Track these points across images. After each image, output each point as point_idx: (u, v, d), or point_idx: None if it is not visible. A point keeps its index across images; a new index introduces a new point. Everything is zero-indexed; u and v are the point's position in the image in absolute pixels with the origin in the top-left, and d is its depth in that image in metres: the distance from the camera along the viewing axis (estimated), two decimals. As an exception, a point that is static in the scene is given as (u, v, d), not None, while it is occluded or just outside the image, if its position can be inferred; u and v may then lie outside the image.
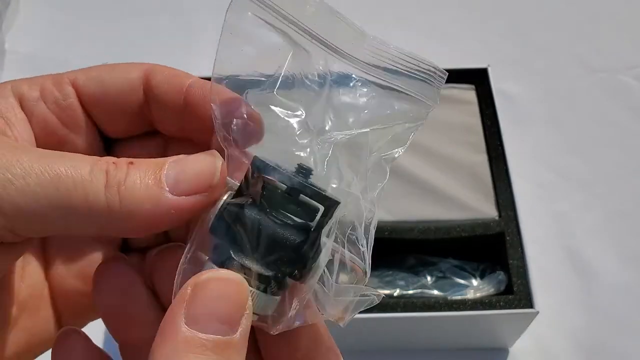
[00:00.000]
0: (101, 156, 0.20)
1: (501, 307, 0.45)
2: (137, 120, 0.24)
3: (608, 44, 0.73)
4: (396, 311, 0.46)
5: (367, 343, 0.51)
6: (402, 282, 0.50)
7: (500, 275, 0.48)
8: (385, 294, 0.49)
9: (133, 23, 0.77)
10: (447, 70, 0.65)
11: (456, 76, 0.58)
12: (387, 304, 0.46)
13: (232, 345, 0.18)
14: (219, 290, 0.18)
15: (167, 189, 0.19)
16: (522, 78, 0.70)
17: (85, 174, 0.18)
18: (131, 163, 0.19)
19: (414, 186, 0.52)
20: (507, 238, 0.49)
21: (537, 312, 0.45)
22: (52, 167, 0.18)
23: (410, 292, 0.49)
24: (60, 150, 0.20)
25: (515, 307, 0.45)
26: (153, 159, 0.20)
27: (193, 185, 0.19)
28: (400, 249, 0.51)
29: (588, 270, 0.57)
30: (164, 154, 0.25)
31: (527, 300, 0.46)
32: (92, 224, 0.19)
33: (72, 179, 0.18)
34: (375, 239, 0.51)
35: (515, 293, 0.46)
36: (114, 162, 0.19)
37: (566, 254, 0.58)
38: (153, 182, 0.19)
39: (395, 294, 0.49)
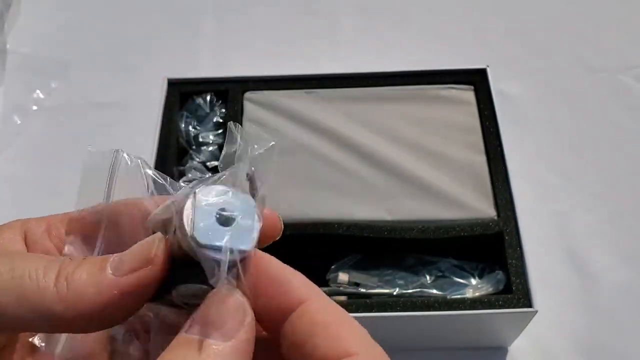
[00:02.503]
0: None
1: (500, 306, 0.46)
2: None
3: (608, 44, 0.73)
4: (395, 310, 0.46)
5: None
6: (401, 282, 0.50)
7: (499, 275, 0.49)
8: (384, 293, 0.49)
9: (133, 23, 0.78)
10: (446, 71, 0.65)
11: (455, 77, 0.58)
12: (386, 303, 0.46)
13: (221, 354, 0.19)
14: (219, 303, 0.20)
15: (110, 271, 0.21)
16: (521, 78, 0.70)
17: (39, 267, 0.20)
18: (84, 258, 0.22)
19: (413, 186, 0.52)
20: (506, 238, 0.49)
21: (536, 311, 0.45)
22: (12, 260, 0.21)
23: (410, 291, 0.49)
24: None
25: (514, 306, 0.46)
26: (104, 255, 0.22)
27: (133, 262, 0.21)
28: (400, 249, 0.51)
29: (587, 270, 0.57)
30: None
31: (525, 299, 0.46)
32: (43, 312, 0.20)
33: (28, 269, 0.20)
34: (375, 239, 0.52)
35: (514, 292, 0.46)
36: (70, 258, 0.21)
37: (565, 254, 0.58)
38: (97, 269, 0.21)
39: (394, 293, 0.49)
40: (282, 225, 0.24)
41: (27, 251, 0.24)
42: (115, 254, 0.21)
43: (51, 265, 0.21)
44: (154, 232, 0.22)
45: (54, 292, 0.20)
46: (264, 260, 0.21)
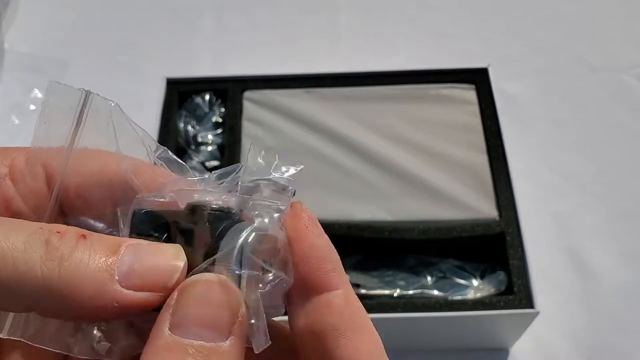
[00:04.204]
0: None
1: (501, 307, 0.45)
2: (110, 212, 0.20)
3: (609, 44, 0.73)
4: (396, 311, 0.46)
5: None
6: (402, 282, 0.49)
7: (501, 276, 0.48)
8: (385, 294, 0.49)
9: (133, 23, 0.77)
10: (448, 70, 0.65)
11: (456, 76, 0.58)
12: (387, 304, 0.46)
13: (217, 353, 0.16)
14: (204, 294, 0.17)
15: (117, 277, 0.17)
16: (522, 77, 0.70)
17: (18, 244, 0.16)
18: (83, 236, 0.17)
19: (414, 186, 0.52)
20: (508, 238, 0.48)
21: (538, 312, 0.44)
22: None
23: (411, 292, 0.49)
24: None
25: (515, 307, 0.45)
26: (110, 237, 0.18)
27: (147, 280, 0.17)
28: (401, 249, 0.51)
29: (588, 270, 0.56)
30: None
31: (527, 301, 0.45)
32: (23, 298, 0.16)
33: (1, 248, 0.16)
34: (376, 239, 0.51)
35: (516, 293, 0.46)
36: (58, 232, 0.17)
37: (567, 254, 0.58)
38: (104, 265, 0.16)
39: (395, 294, 0.49)
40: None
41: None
42: (128, 246, 0.17)
43: (32, 240, 0.16)
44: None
45: (38, 279, 0.16)
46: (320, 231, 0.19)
